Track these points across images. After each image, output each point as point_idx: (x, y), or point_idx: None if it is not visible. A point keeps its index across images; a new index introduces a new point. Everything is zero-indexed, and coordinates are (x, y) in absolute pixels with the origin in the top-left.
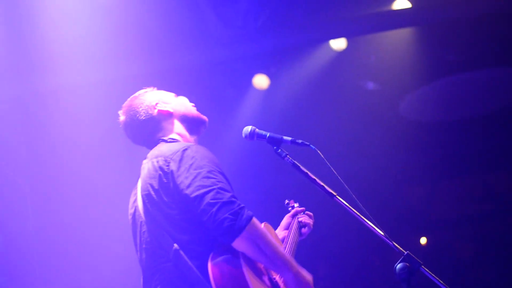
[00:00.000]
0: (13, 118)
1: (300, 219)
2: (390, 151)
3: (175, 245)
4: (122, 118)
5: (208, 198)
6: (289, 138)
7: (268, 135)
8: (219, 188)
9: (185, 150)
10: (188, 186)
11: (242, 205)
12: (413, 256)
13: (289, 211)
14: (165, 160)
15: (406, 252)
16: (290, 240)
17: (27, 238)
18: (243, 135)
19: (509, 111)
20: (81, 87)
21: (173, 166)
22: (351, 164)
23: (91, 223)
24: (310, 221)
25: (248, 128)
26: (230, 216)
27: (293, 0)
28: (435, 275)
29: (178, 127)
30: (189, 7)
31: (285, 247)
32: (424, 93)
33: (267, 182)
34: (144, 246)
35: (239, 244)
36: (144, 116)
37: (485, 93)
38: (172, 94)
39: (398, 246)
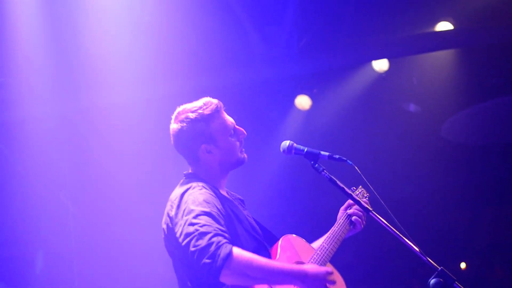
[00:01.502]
0: (58, 135)
1: (349, 212)
2: (431, 174)
3: (189, 283)
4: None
5: (190, 247)
6: (327, 153)
7: (305, 150)
8: (199, 233)
9: (183, 194)
10: (180, 235)
11: (221, 243)
12: (447, 271)
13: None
14: (171, 205)
15: (440, 268)
16: (328, 238)
17: (70, 255)
18: (281, 149)
19: None
20: (124, 105)
21: (173, 212)
22: (393, 186)
23: (132, 240)
24: (359, 212)
25: (286, 143)
26: (207, 261)
27: (336, 21)
28: None
29: (213, 166)
30: (233, 26)
31: (320, 247)
32: (466, 115)
33: (307, 199)
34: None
35: (226, 281)
36: (185, 145)
37: None
38: (229, 127)
39: (432, 262)
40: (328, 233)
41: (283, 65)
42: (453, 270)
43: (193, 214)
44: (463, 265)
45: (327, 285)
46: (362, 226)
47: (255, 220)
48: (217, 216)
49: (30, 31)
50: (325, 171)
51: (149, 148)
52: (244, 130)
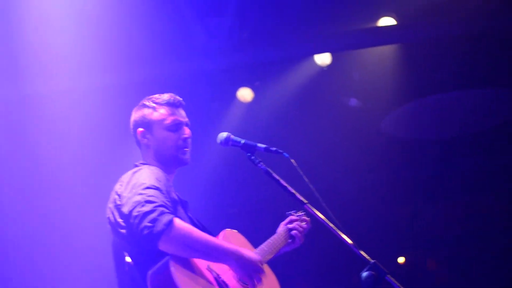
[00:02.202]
0: None
1: (290, 226)
2: (370, 168)
3: (128, 258)
4: None
5: (134, 212)
6: (263, 146)
7: (242, 141)
8: (145, 201)
9: (134, 172)
10: (125, 205)
11: (164, 212)
12: (379, 265)
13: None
14: (120, 184)
15: (372, 261)
16: (267, 243)
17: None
18: (218, 141)
19: (492, 133)
20: (63, 94)
21: (122, 188)
22: (331, 179)
23: (75, 229)
24: (300, 228)
25: (223, 134)
26: (149, 224)
27: (279, 14)
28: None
29: (152, 157)
30: (174, 17)
31: (259, 248)
32: (406, 111)
33: (252, 193)
34: (114, 262)
35: (164, 248)
36: (132, 132)
37: (469, 113)
38: (169, 119)
39: (365, 255)
40: (267, 240)
41: (224, 57)
42: (391, 264)
43: (142, 187)
44: (401, 260)
45: (259, 274)
46: (300, 242)
47: (198, 221)
48: (165, 193)
49: None
50: (261, 163)
51: (89, 137)
52: (189, 132)
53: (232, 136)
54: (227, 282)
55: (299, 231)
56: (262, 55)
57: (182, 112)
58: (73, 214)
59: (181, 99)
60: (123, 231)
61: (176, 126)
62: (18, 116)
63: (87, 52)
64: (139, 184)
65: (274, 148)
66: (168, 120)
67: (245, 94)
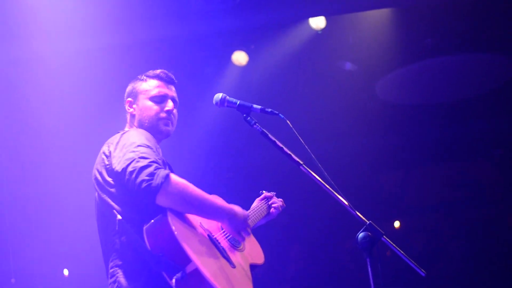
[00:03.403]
0: None
1: (269, 202)
2: (364, 132)
3: (118, 216)
4: None
5: (129, 168)
6: (259, 107)
7: (238, 102)
8: (140, 157)
9: (123, 134)
10: (117, 163)
11: (160, 167)
12: (375, 226)
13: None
14: (108, 146)
15: (368, 222)
16: (252, 211)
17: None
18: (214, 102)
19: (483, 98)
20: (59, 56)
21: (111, 148)
22: (324, 144)
23: (68, 193)
24: (279, 203)
25: (219, 95)
26: (146, 177)
27: None
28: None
29: (138, 126)
30: None
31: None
32: (400, 75)
33: (243, 157)
34: (97, 221)
35: (162, 201)
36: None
37: (461, 78)
38: (155, 90)
39: (361, 216)
40: (251, 209)
41: (219, 20)
42: (385, 229)
43: (134, 145)
44: (396, 224)
45: (246, 230)
46: (275, 216)
47: None
48: (156, 151)
49: None
50: (257, 124)
51: (81, 100)
52: (172, 106)
53: (228, 97)
54: (219, 240)
55: (279, 205)
56: (257, 18)
57: (172, 88)
58: (62, 175)
59: (173, 77)
60: (113, 189)
61: (160, 98)
62: (13, 79)
63: (81, 14)
64: (129, 143)
65: (269, 109)
66: (154, 91)
67: (240, 57)
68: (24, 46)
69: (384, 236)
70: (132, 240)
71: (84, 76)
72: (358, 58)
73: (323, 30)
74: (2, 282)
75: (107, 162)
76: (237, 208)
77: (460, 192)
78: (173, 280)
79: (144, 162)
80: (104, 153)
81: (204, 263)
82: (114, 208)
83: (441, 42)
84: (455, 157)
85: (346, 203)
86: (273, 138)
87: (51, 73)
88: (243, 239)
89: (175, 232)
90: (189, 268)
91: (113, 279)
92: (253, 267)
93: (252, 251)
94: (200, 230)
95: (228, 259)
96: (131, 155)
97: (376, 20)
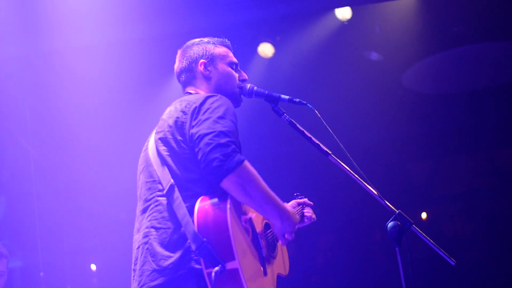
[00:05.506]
0: (19, 79)
1: (304, 210)
2: (391, 122)
3: (171, 181)
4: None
5: (206, 139)
6: (287, 97)
7: (266, 92)
8: (221, 132)
9: (209, 97)
10: (196, 126)
11: (237, 150)
12: (404, 215)
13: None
14: (188, 103)
15: (397, 211)
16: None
17: (31, 201)
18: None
19: None
20: (87, 49)
21: (193, 108)
22: (351, 133)
23: (96, 188)
24: (313, 215)
25: (247, 86)
26: (221, 157)
27: None
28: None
29: (215, 91)
30: None
31: None
32: (427, 64)
33: (270, 149)
34: (145, 180)
35: (226, 185)
36: (186, 65)
37: (489, 66)
38: (231, 59)
39: (390, 205)
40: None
41: (246, 11)
42: (414, 219)
43: (218, 114)
44: (424, 215)
45: (291, 234)
46: (307, 223)
47: None
48: (237, 130)
49: None
50: (285, 114)
51: (111, 92)
52: (246, 76)
53: (256, 88)
54: (261, 241)
55: (311, 217)
56: (283, 9)
57: None
58: (92, 171)
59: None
60: (178, 148)
61: (236, 65)
62: (40, 72)
63: (109, 7)
64: (216, 110)
65: (297, 99)
66: (230, 58)
67: (266, 49)
68: (54, 39)
69: (414, 225)
70: (179, 208)
71: (112, 68)
72: (384, 48)
73: (349, 20)
74: (32, 275)
75: (183, 120)
76: (291, 210)
77: (488, 182)
78: (213, 273)
79: (224, 140)
80: (182, 110)
81: (245, 266)
82: (171, 168)
83: (468, 30)
84: (483, 146)
85: (375, 192)
86: (302, 128)
87: (81, 65)
88: (281, 242)
89: (230, 225)
90: (229, 265)
91: (145, 240)
92: (278, 277)
93: (281, 261)
94: (249, 225)
95: (263, 266)
96: (215, 125)
97: (402, 9)
